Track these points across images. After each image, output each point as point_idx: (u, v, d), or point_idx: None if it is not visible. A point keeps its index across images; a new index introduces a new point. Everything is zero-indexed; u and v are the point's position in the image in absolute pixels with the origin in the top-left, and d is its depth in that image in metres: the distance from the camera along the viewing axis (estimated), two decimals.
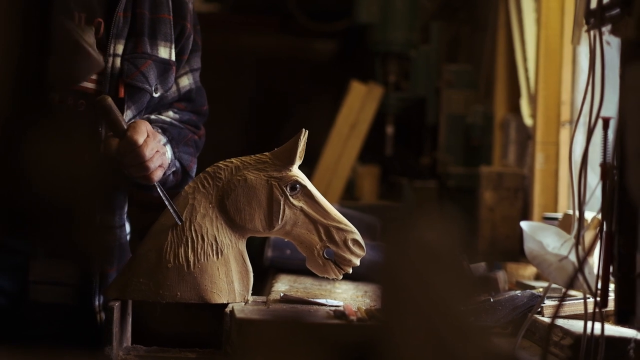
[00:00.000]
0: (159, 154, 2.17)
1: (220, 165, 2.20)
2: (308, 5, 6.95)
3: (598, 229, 2.05)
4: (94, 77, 2.22)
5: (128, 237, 2.40)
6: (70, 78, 2.14)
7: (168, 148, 2.26)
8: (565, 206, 3.71)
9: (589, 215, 2.51)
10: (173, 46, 2.33)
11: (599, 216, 2.03)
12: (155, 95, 2.31)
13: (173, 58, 2.34)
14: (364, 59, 6.34)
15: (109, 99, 2.11)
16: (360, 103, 5.74)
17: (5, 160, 2.04)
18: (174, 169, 2.28)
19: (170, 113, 2.39)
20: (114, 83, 2.22)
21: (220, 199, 2.17)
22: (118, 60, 2.24)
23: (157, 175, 2.17)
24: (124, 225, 2.35)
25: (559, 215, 3.21)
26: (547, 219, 3.27)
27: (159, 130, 2.26)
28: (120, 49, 2.25)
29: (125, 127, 2.13)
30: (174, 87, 2.38)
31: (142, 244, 2.20)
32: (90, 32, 2.11)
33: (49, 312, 2.28)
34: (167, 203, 2.14)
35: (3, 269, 2.24)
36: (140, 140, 2.11)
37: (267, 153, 2.21)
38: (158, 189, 2.16)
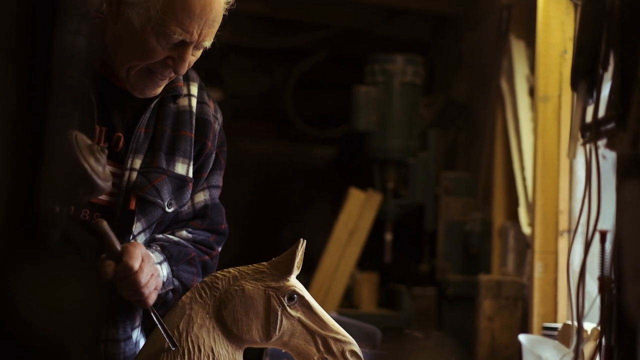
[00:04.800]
0: (153, 277, 2.16)
1: (217, 274, 2.19)
2: (306, 111, 7.03)
3: (598, 341, 2.03)
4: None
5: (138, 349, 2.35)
6: (67, 199, 2.12)
7: (164, 266, 2.24)
8: (565, 316, 3.68)
9: (588, 326, 2.49)
10: (191, 163, 2.34)
11: (599, 328, 2.02)
12: (169, 210, 2.30)
13: (190, 175, 2.34)
14: (363, 166, 6.39)
15: (104, 223, 2.10)
16: (358, 210, 5.76)
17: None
18: (171, 287, 2.25)
19: (184, 233, 2.37)
20: (127, 195, 2.23)
21: (218, 309, 2.15)
22: (134, 174, 2.25)
23: (152, 298, 2.16)
24: (131, 338, 2.31)
25: (559, 325, 3.19)
26: (546, 329, 3.25)
27: (158, 249, 2.25)
28: (137, 163, 2.25)
29: (119, 249, 2.11)
30: (189, 203, 2.38)
31: (138, 355, 2.17)
32: (101, 153, 2.08)
33: None
34: (160, 327, 2.12)
35: None
36: (136, 266, 2.10)
37: (264, 263, 2.20)
38: (152, 314, 2.14)
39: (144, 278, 2.11)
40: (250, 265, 2.20)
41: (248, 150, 7.02)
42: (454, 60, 6.40)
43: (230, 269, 2.20)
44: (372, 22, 6.72)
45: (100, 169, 2.04)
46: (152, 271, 2.15)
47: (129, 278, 2.10)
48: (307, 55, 7.05)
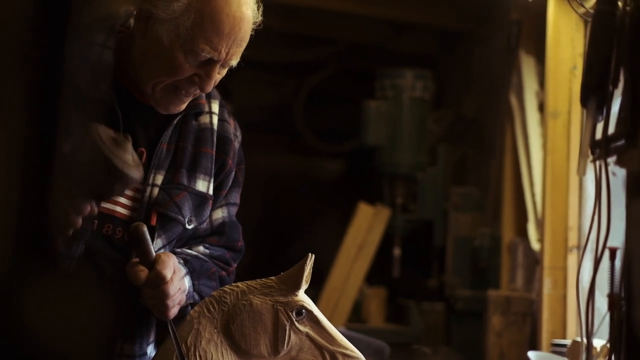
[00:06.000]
0: (180, 291, 2.16)
1: (226, 289, 2.18)
2: (315, 125, 7.03)
3: (607, 358, 2.02)
4: (130, 204, 2.23)
5: None
6: (101, 195, 2.11)
7: (186, 280, 2.24)
8: (574, 332, 3.67)
9: (598, 343, 2.48)
10: (212, 180, 2.35)
11: (609, 345, 2.01)
12: (189, 227, 2.30)
13: (210, 192, 2.34)
14: (372, 180, 6.39)
15: (144, 227, 2.11)
16: (367, 224, 5.76)
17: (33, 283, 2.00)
18: (191, 301, 2.25)
19: (201, 248, 2.37)
20: (149, 211, 2.23)
21: (226, 324, 2.15)
22: (156, 190, 2.25)
23: (174, 312, 2.15)
24: (146, 354, 2.31)
25: (568, 342, 3.18)
26: (555, 346, 3.24)
27: (181, 262, 2.25)
28: (159, 179, 2.26)
29: (154, 257, 2.12)
30: (207, 219, 2.38)
31: None
32: (126, 144, 2.06)
33: None
34: (174, 343, 2.11)
35: None
36: (168, 276, 2.10)
37: (273, 277, 2.20)
38: (169, 327, 2.13)
39: (172, 290, 2.11)
40: (258, 280, 2.20)
41: (257, 164, 7.01)
42: (463, 76, 6.40)
43: (239, 284, 2.19)
44: (382, 36, 6.73)
45: (129, 158, 2.03)
46: (180, 285, 2.16)
47: (159, 287, 2.10)
48: (316, 69, 7.05)
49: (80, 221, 2.05)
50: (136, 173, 2.06)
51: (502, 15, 5.33)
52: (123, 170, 2.02)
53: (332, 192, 7.02)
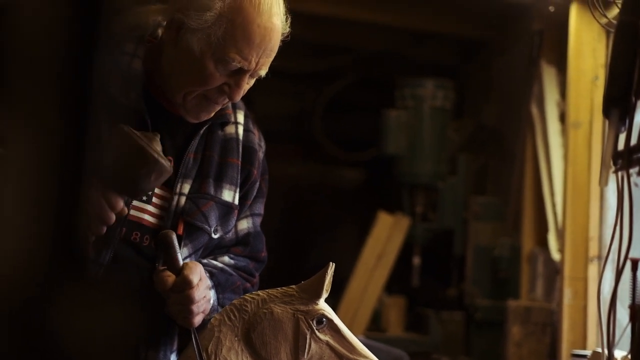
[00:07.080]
0: (205, 299, 2.17)
1: (246, 297, 2.19)
2: (335, 134, 7.04)
3: None
4: (157, 212, 2.25)
5: None
6: (137, 189, 2.14)
7: (212, 293, 2.25)
8: (594, 343, 3.66)
9: (618, 354, 2.47)
10: (238, 190, 2.36)
11: (630, 356, 2.00)
12: (215, 236, 2.31)
13: (236, 202, 2.36)
14: (391, 189, 6.39)
15: (173, 235, 2.13)
16: (387, 233, 5.76)
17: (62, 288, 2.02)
18: (214, 314, 2.26)
19: (226, 258, 2.38)
20: (176, 220, 2.25)
21: (246, 332, 2.15)
22: (183, 199, 2.26)
23: (197, 320, 2.16)
24: None
25: (588, 352, 3.16)
26: (575, 356, 3.23)
27: (207, 274, 2.26)
28: (186, 188, 2.27)
29: (181, 265, 2.14)
30: (232, 229, 2.39)
31: None
32: (155, 139, 2.10)
33: None
34: (196, 351, 2.12)
35: None
36: (195, 281, 2.12)
37: (293, 286, 2.20)
38: (192, 335, 2.14)
39: (198, 296, 2.13)
40: (279, 288, 2.20)
41: (276, 173, 7.01)
42: (484, 85, 6.40)
43: (259, 292, 2.20)
44: (402, 45, 6.73)
45: (160, 151, 2.07)
46: (206, 293, 2.17)
47: (185, 292, 2.11)
48: (336, 78, 7.06)
49: (113, 217, 2.07)
50: (168, 163, 2.09)
51: (523, 25, 5.33)
52: (158, 159, 2.05)
53: (352, 201, 7.02)
